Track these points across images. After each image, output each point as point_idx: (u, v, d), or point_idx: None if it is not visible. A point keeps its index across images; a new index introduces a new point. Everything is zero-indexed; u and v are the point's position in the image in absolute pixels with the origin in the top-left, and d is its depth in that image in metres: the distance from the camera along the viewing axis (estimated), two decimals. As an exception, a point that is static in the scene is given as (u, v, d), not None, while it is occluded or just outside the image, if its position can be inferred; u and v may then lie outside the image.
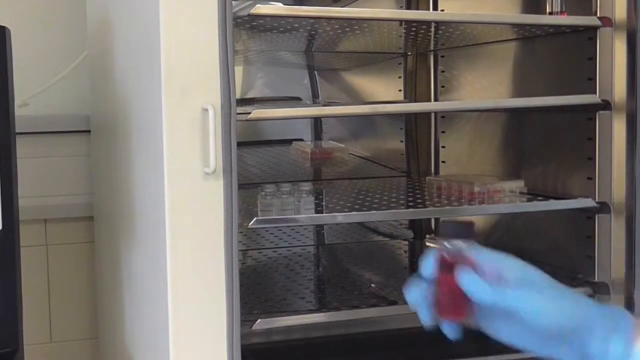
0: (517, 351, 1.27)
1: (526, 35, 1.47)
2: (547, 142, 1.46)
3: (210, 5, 1.04)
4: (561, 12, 1.35)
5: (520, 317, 0.81)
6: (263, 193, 1.24)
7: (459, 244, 0.86)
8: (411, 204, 1.40)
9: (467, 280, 0.83)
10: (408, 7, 1.78)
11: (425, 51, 1.79)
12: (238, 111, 1.08)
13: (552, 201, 1.35)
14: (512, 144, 1.58)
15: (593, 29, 1.29)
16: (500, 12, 1.53)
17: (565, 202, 1.35)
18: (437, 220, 1.81)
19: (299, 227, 1.80)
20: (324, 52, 1.75)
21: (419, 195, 1.48)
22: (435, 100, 1.80)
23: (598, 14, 1.28)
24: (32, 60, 1.64)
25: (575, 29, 1.33)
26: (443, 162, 1.79)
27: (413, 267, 1.71)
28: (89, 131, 1.65)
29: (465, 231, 0.88)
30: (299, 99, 1.84)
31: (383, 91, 1.87)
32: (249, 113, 1.13)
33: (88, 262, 1.70)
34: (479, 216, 1.63)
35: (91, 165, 1.66)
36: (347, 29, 1.34)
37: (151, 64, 1.08)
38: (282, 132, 1.85)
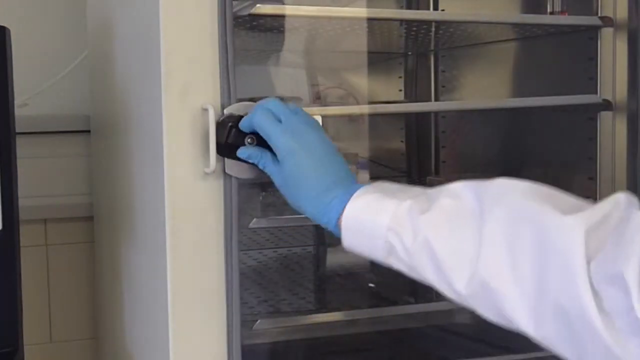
0: (517, 351, 1.27)
1: (527, 35, 1.47)
2: (548, 142, 1.46)
3: (210, 5, 1.04)
4: (562, 12, 1.35)
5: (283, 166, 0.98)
6: (263, 193, 1.24)
7: None
8: (411, 204, 1.40)
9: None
10: (408, 7, 1.78)
11: (425, 51, 1.79)
12: (238, 111, 1.08)
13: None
14: (512, 144, 1.58)
15: (594, 29, 1.29)
16: (500, 12, 1.53)
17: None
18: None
19: (299, 227, 1.80)
20: (324, 52, 1.75)
21: (419, 195, 1.47)
22: (436, 100, 1.80)
23: (599, 14, 1.28)
24: (32, 60, 1.64)
25: (576, 29, 1.33)
26: (443, 162, 1.78)
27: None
28: (89, 131, 1.64)
29: None
30: (299, 99, 1.84)
31: (383, 91, 1.87)
32: (249, 113, 1.13)
33: (88, 262, 1.69)
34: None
35: (91, 165, 1.66)
36: (347, 29, 1.34)
37: (151, 64, 1.08)
38: (283, 132, 1.84)
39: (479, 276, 0.80)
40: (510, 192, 0.83)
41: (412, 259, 0.86)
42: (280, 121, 1.00)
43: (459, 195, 0.86)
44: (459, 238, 0.83)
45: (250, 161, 1.02)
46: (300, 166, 0.97)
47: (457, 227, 0.83)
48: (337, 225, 0.94)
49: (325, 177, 0.96)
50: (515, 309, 0.77)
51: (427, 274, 0.86)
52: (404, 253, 0.87)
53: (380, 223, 0.88)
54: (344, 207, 0.93)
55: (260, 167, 1.02)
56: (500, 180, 0.85)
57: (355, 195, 0.93)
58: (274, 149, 0.99)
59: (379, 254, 0.90)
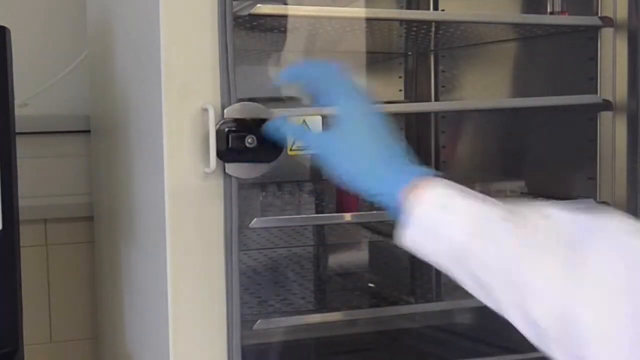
0: (517, 351, 1.27)
1: (527, 35, 1.47)
2: (548, 142, 1.46)
3: (210, 5, 1.04)
4: (562, 12, 1.35)
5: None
6: (263, 193, 1.24)
7: None
8: (411, 204, 1.39)
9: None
10: (408, 7, 1.78)
11: (425, 51, 1.79)
12: (238, 111, 1.08)
13: (553, 201, 1.35)
14: (512, 144, 1.58)
15: (594, 29, 1.29)
16: (500, 12, 1.53)
17: (566, 203, 1.34)
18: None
19: (299, 227, 1.80)
20: (324, 52, 1.75)
21: (419, 195, 1.47)
22: (436, 100, 1.80)
23: (599, 14, 1.28)
24: (32, 60, 1.64)
25: (576, 29, 1.33)
26: (443, 162, 1.78)
27: (413, 267, 1.71)
28: (89, 131, 1.64)
29: None
30: (299, 99, 1.83)
31: (383, 91, 1.87)
32: (249, 113, 1.13)
33: (88, 262, 1.69)
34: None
35: (91, 165, 1.66)
36: (347, 29, 1.34)
37: (151, 64, 1.08)
38: (283, 132, 1.84)
39: (568, 313, 0.68)
40: (614, 227, 0.72)
41: (486, 273, 0.75)
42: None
43: (552, 216, 0.75)
44: (551, 265, 0.71)
45: (278, 135, 1.00)
46: (361, 132, 0.89)
47: (551, 252, 0.71)
48: (389, 203, 0.84)
49: (384, 149, 0.89)
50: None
51: (498, 294, 0.74)
52: (478, 266, 0.76)
53: (459, 226, 0.78)
54: (401, 188, 0.83)
55: (295, 137, 1.00)
56: (602, 212, 0.74)
57: (421, 186, 0.82)
58: (336, 108, 0.92)
59: (443, 259, 0.80)
